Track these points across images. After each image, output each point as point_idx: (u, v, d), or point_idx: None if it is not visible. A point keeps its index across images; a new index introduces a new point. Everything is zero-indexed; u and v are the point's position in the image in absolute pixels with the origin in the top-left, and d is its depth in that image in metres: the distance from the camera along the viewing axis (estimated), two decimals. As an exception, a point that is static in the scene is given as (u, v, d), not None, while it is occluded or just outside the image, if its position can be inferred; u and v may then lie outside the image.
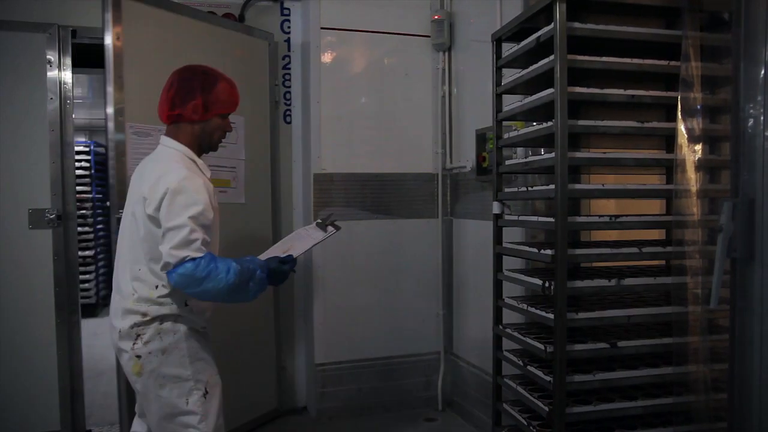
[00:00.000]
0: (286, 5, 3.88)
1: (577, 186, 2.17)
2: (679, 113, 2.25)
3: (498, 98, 2.61)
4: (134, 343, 2.05)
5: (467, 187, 3.66)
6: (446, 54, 3.85)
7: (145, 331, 2.04)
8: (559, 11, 2.02)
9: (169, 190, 1.95)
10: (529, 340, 2.31)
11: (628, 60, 2.16)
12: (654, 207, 2.82)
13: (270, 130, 3.79)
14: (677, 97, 2.24)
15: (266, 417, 3.74)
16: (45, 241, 3.40)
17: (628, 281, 2.20)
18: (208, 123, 2.10)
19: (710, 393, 2.22)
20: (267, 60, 3.74)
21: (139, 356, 2.04)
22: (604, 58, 2.13)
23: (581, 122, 2.15)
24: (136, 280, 2.06)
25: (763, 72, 1.83)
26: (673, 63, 2.19)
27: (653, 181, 2.71)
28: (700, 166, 2.55)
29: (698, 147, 2.58)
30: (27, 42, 3.37)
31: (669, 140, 2.62)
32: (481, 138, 3.32)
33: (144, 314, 2.04)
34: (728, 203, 1.86)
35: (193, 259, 1.92)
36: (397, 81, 3.86)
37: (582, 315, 2.14)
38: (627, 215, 2.25)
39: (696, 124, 2.48)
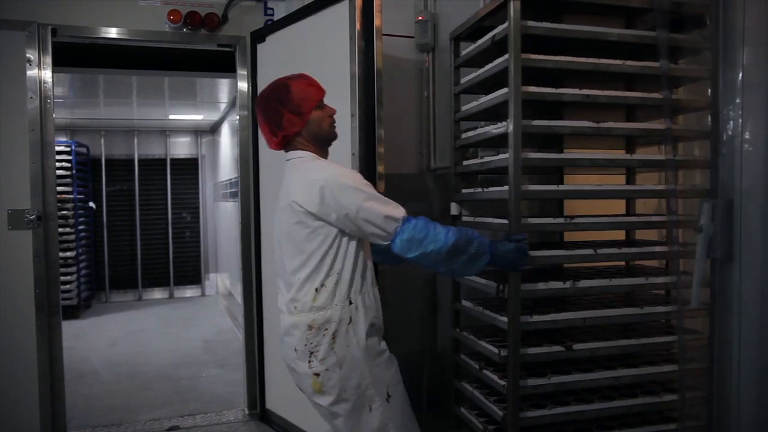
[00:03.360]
0: (269, 5, 3.86)
1: (531, 187, 2.12)
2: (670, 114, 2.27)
3: (456, 98, 2.59)
4: (310, 361, 1.99)
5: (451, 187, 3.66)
6: (430, 55, 3.85)
7: (319, 348, 1.98)
8: (513, 9, 2.00)
9: (324, 185, 1.94)
10: (483, 344, 2.28)
11: (582, 59, 2.13)
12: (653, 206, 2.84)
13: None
14: (637, 97, 2.25)
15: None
16: (25, 242, 3.36)
17: (584, 283, 2.17)
18: (310, 123, 2.07)
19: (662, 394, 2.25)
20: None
21: (317, 374, 1.99)
22: (559, 57, 2.10)
23: (535, 122, 2.11)
24: (299, 291, 2.02)
25: (740, 75, 1.86)
26: (629, 62, 2.18)
27: (653, 181, 2.71)
28: (664, 165, 2.57)
29: (661, 147, 2.61)
30: (5, 40, 3.32)
31: (629, 140, 2.65)
32: (465, 138, 3.33)
33: (310, 326, 1.98)
34: (708, 204, 1.89)
35: (408, 220, 1.92)
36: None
37: (537, 318, 2.12)
38: (584, 216, 2.25)
39: (662, 124, 2.50)
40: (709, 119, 2.25)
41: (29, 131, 3.36)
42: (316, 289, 1.98)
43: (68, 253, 6.96)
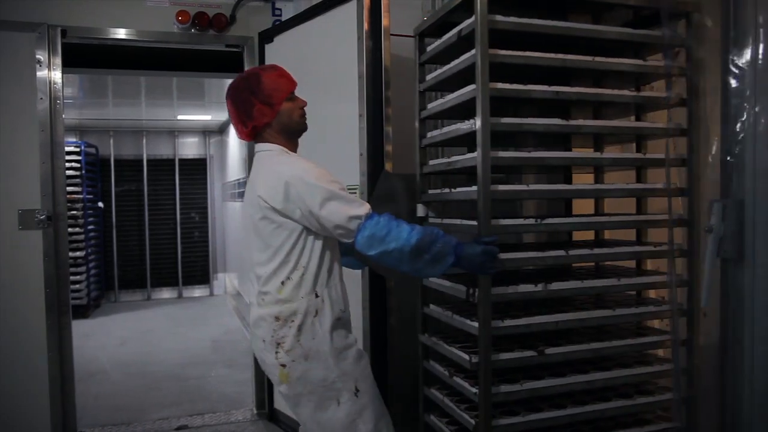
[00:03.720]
0: (277, 5, 3.87)
1: (501, 187, 2.04)
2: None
3: (421, 95, 2.53)
4: (277, 352, 2.00)
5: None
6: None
7: (285, 339, 1.98)
8: (480, 3, 1.93)
9: (289, 180, 1.94)
10: (454, 350, 2.20)
11: (552, 55, 2.07)
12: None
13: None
14: (609, 94, 2.20)
15: None
16: (35, 242, 3.38)
17: (555, 285, 2.10)
18: (281, 114, 2.06)
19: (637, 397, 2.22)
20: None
21: (284, 365, 2.00)
22: (527, 53, 2.04)
23: (504, 120, 2.03)
24: (266, 284, 2.03)
25: (753, 74, 1.85)
26: (598, 59, 2.13)
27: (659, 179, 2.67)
28: (635, 164, 2.52)
29: (634, 145, 2.58)
30: (16, 42, 3.34)
31: (597, 138, 2.59)
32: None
33: (276, 318, 1.99)
34: (718, 204, 1.88)
35: (371, 217, 1.90)
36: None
37: (509, 322, 2.04)
38: (555, 217, 2.18)
39: (635, 122, 2.46)
40: (687, 116, 2.24)
41: (39, 132, 3.38)
42: (282, 282, 1.99)
43: (78, 253, 7.00)
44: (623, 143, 2.74)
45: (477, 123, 1.97)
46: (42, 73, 3.39)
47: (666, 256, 2.29)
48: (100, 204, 8.11)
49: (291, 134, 2.13)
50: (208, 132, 8.81)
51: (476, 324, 2.03)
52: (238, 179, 6.93)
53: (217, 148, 8.89)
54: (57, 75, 3.45)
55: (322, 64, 3.09)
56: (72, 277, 5.84)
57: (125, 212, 8.56)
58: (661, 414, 2.33)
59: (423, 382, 2.52)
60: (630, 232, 2.60)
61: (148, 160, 8.61)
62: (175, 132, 8.71)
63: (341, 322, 2.06)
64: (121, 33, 3.60)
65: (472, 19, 1.98)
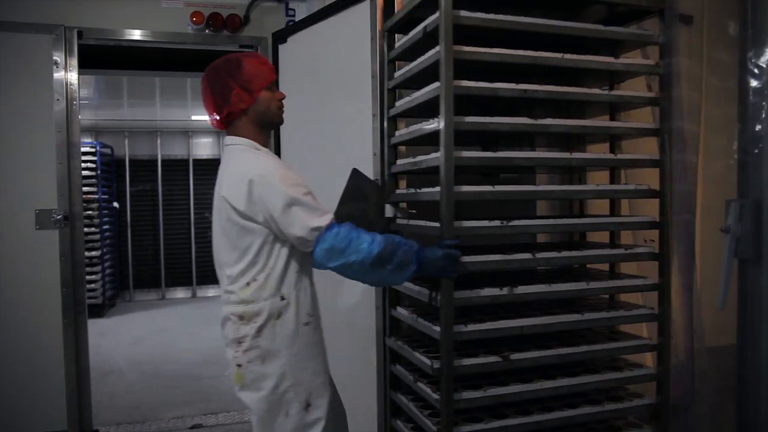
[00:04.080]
0: (291, 6, 3.88)
1: (464, 188, 1.98)
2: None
3: (390, 93, 2.47)
4: (236, 351, 1.93)
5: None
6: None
7: (245, 339, 1.91)
8: None
9: (253, 179, 1.86)
10: (417, 355, 2.14)
11: (521, 52, 2.00)
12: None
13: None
14: (579, 93, 2.13)
15: None
16: (52, 241, 3.42)
17: (521, 289, 2.04)
18: (259, 102, 2.00)
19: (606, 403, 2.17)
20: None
21: (240, 365, 1.93)
22: (495, 50, 1.97)
23: (467, 119, 1.97)
24: (232, 284, 1.97)
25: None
26: (568, 56, 2.06)
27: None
28: (607, 165, 2.49)
29: (606, 146, 2.54)
30: (34, 43, 3.38)
31: (568, 138, 2.52)
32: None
33: (240, 317, 1.93)
34: (735, 204, 1.86)
35: (330, 228, 1.83)
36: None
37: (472, 327, 1.98)
38: (521, 219, 2.08)
39: (608, 122, 2.39)
40: (656, 117, 2.20)
41: (56, 132, 3.42)
42: (248, 283, 1.92)
43: (93, 253, 7.06)
44: (597, 143, 2.69)
45: (441, 122, 1.91)
46: (59, 75, 3.43)
47: (637, 259, 2.26)
48: (115, 204, 8.18)
49: (265, 125, 2.06)
50: (222, 132, 8.83)
51: (438, 328, 1.97)
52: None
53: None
54: (73, 76, 3.48)
55: (336, 63, 3.09)
56: (88, 277, 5.90)
57: (140, 212, 8.62)
58: (632, 421, 2.27)
59: (389, 386, 2.46)
60: (626, 234, 2.56)
61: (162, 161, 8.67)
62: (189, 132, 8.76)
63: (309, 327, 1.98)
64: (136, 34, 3.63)
65: (437, 14, 1.92)
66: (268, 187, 1.84)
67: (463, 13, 1.91)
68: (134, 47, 3.85)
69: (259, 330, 1.91)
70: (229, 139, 2.05)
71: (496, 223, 2.01)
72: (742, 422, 1.94)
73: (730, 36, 2.17)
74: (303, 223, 1.82)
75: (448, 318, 1.91)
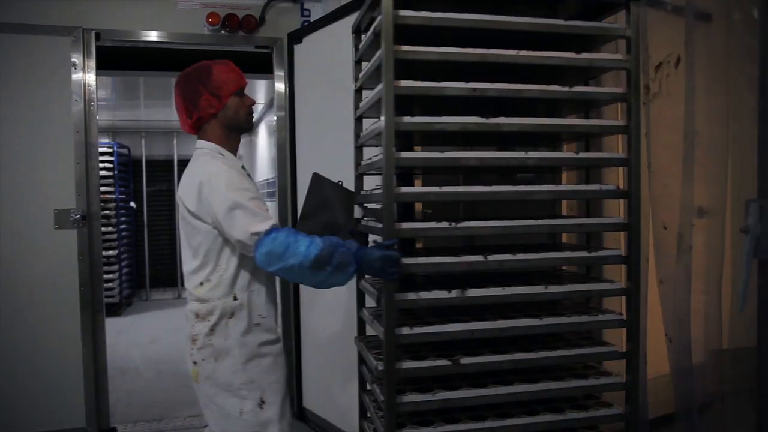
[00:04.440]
0: (306, 6, 3.89)
1: (404, 189, 1.96)
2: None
3: (356, 94, 2.43)
4: (192, 348, 2.03)
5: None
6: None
7: (199, 336, 2.00)
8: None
9: (203, 181, 1.95)
10: (370, 356, 2.12)
11: (470, 50, 1.94)
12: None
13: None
14: (534, 90, 2.02)
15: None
16: (70, 241, 3.45)
17: (472, 292, 1.98)
18: (227, 107, 2.07)
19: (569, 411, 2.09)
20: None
21: (195, 362, 2.02)
22: (442, 49, 1.92)
23: (406, 119, 1.92)
24: (188, 282, 2.07)
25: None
26: (523, 53, 1.99)
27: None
28: (562, 164, 2.38)
29: (572, 146, 2.44)
30: (53, 45, 3.42)
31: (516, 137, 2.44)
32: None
33: (196, 315, 2.02)
34: (755, 204, 1.83)
35: (269, 232, 1.87)
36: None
37: (417, 330, 1.95)
38: (471, 221, 2.01)
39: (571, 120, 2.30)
40: (622, 115, 2.10)
41: (74, 133, 3.46)
42: (201, 283, 2.01)
43: (110, 252, 7.13)
44: (571, 141, 2.63)
45: (381, 122, 1.89)
46: (77, 76, 3.47)
47: (605, 262, 2.17)
48: (132, 204, 8.25)
49: (233, 130, 2.12)
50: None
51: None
52: (267, 179, 6.99)
53: (246, 148, 8.98)
54: (91, 77, 3.52)
55: (351, 63, 3.10)
56: (105, 276, 5.95)
57: (156, 212, 8.70)
58: (593, 426, 2.19)
59: (360, 386, 2.46)
60: (616, 237, 2.51)
61: (178, 161, 8.73)
62: (204, 133, 8.81)
63: (260, 328, 2.04)
64: (152, 35, 3.66)
65: (381, 15, 1.89)
66: (215, 190, 1.92)
67: (404, 12, 1.87)
68: (150, 48, 3.88)
69: (212, 328, 1.99)
70: (198, 143, 2.12)
71: (444, 224, 1.96)
72: (762, 423, 1.91)
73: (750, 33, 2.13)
74: (243, 227, 1.88)
75: (390, 320, 1.90)
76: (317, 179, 2.49)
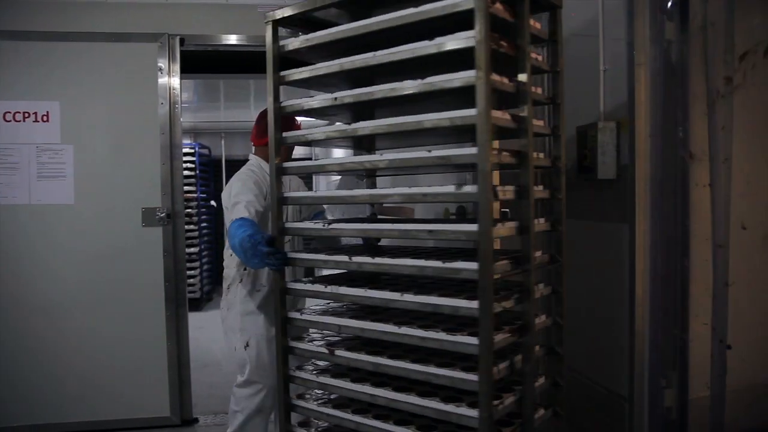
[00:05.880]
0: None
1: (290, 194, 2.25)
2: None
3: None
4: (222, 300, 2.85)
5: (569, 185, 3.49)
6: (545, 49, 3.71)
7: (223, 291, 2.85)
8: (269, 32, 2.16)
9: (231, 181, 2.81)
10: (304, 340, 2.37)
11: (336, 61, 2.01)
12: None
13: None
14: (385, 89, 1.89)
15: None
16: (156, 238, 3.61)
17: (342, 290, 2.05)
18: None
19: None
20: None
21: (221, 308, 2.86)
22: (311, 67, 2.12)
23: (287, 133, 2.24)
24: (225, 252, 2.85)
25: None
26: (379, 53, 1.87)
27: None
28: (420, 164, 2.15)
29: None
30: (141, 51, 3.58)
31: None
32: (582, 135, 3.18)
33: (224, 277, 2.84)
34: None
35: (234, 222, 2.45)
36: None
37: (305, 316, 2.18)
38: (341, 222, 2.26)
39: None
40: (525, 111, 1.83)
41: (160, 135, 3.60)
42: (231, 254, 2.74)
43: (192, 249, 7.38)
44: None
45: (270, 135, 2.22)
46: (162, 80, 3.61)
47: (449, 274, 1.79)
48: (213, 203, 8.51)
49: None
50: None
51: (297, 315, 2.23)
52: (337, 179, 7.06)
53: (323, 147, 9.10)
54: (176, 81, 3.65)
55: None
56: (187, 272, 6.17)
57: (235, 210, 8.91)
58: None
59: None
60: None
61: (256, 161, 8.92)
62: (281, 133, 8.97)
63: (259, 294, 2.76)
64: (232, 39, 3.76)
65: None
66: (229, 189, 2.73)
67: (283, 42, 2.17)
68: (229, 51, 3.97)
69: (229, 287, 2.82)
70: (251, 156, 3.05)
71: (319, 225, 2.19)
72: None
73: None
74: (229, 217, 2.59)
75: (276, 301, 2.22)
76: None
